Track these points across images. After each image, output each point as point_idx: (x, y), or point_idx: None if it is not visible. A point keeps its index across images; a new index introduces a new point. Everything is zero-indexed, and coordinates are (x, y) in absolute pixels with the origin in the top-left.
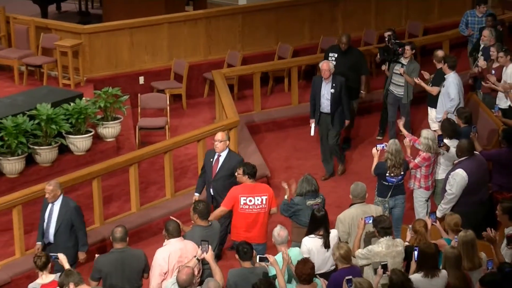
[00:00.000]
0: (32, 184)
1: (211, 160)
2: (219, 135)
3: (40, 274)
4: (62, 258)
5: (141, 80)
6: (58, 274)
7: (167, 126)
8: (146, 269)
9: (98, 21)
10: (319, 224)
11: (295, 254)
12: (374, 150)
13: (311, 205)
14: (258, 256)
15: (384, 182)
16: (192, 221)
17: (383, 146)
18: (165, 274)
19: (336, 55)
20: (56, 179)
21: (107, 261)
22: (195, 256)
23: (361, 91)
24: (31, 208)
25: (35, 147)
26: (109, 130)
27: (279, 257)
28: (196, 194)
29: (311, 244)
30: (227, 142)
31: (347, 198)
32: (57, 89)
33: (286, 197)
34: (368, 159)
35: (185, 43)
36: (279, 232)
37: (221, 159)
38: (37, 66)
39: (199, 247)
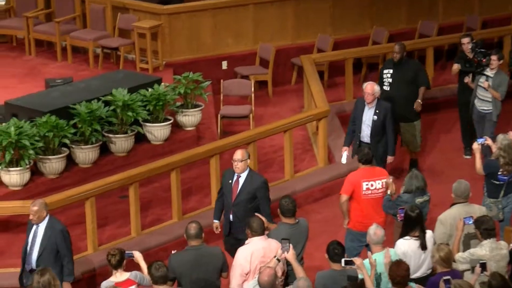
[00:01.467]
0: (106, 175)
1: (230, 182)
2: (239, 154)
3: (114, 272)
4: (138, 256)
5: (224, 65)
6: (133, 272)
7: (251, 114)
8: (224, 268)
9: (179, 1)
10: (414, 224)
11: (391, 255)
12: (475, 146)
13: (420, 203)
14: (343, 260)
15: (494, 181)
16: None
17: (483, 140)
18: (246, 274)
19: (391, 71)
20: (42, 199)
21: (181, 260)
22: (275, 256)
23: (418, 100)
24: (105, 200)
25: (110, 135)
26: (189, 118)
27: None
28: (216, 221)
29: (406, 247)
30: (248, 161)
31: (442, 197)
32: (134, 74)
33: (389, 192)
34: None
35: (272, 25)
36: (375, 230)
37: (241, 181)
38: (113, 48)
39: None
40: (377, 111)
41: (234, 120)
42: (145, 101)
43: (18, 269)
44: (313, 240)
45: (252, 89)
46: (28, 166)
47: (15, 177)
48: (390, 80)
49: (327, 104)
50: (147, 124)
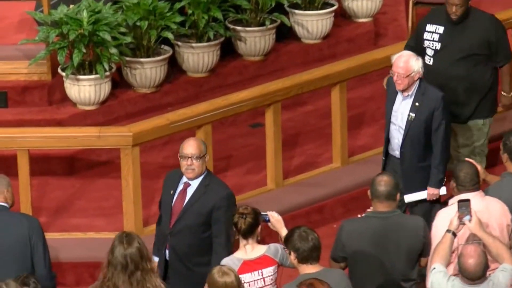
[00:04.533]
0: (230, 90)
1: (172, 192)
2: (192, 145)
3: (243, 243)
4: (277, 220)
5: None
6: (272, 245)
7: None
8: (425, 249)
9: None
10: None
11: None
12: None
13: None
14: None
15: None
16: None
17: None
18: (452, 253)
19: (440, 30)
20: None
21: (358, 232)
22: (448, 230)
23: (502, 93)
24: (228, 130)
25: (238, 27)
26: (363, 4)
27: None
28: (156, 259)
29: None
30: (207, 156)
31: None
32: None
33: None
34: None
35: None
36: None
37: (190, 192)
38: None
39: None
40: (416, 104)
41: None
42: None
43: (89, 234)
44: None
45: None
46: (108, 73)
47: (87, 89)
48: (438, 46)
49: None
50: (296, 11)
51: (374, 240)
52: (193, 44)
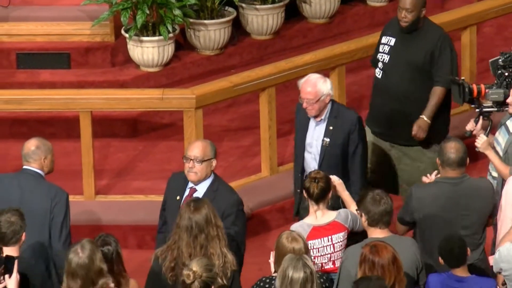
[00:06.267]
0: (294, 53)
1: (178, 198)
2: (198, 147)
3: (313, 208)
4: (338, 183)
5: None
6: (342, 211)
7: None
8: (494, 210)
9: None
10: None
11: None
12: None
13: None
14: None
15: None
16: None
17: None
18: None
19: (392, 41)
20: None
21: (430, 197)
22: None
23: (422, 116)
24: (293, 93)
25: None
26: None
27: None
28: None
29: None
30: (214, 162)
31: None
32: None
33: None
34: None
35: None
36: None
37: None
38: None
39: None
40: (330, 128)
41: None
42: None
43: (151, 197)
44: None
45: None
46: (171, 35)
47: (150, 51)
48: (387, 58)
49: None
50: None
51: (446, 205)
52: (258, 6)
